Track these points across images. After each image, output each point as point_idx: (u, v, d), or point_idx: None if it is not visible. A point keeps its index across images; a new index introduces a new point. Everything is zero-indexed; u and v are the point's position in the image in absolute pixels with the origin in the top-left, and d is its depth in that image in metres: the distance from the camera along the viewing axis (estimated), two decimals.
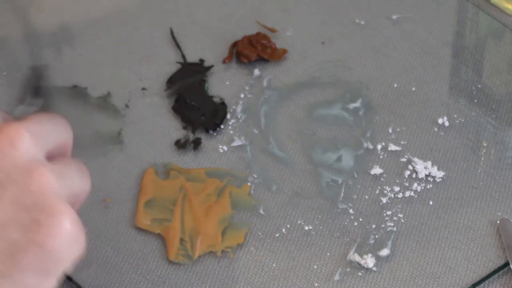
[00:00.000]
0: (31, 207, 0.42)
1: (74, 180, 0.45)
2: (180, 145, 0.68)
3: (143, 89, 0.71)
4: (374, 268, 0.61)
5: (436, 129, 0.68)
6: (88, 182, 0.47)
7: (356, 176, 0.66)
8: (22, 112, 0.62)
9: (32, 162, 0.43)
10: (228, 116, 0.69)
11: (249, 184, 0.65)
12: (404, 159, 0.66)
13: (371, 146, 0.67)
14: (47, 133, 0.45)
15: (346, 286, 0.60)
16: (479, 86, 0.70)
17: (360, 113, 0.69)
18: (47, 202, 0.42)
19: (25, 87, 0.63)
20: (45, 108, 0.62)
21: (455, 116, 0.69)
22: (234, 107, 0.70)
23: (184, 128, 0.69)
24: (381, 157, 0.67)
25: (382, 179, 0.65)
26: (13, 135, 0.43)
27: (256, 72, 0.72)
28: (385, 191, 0.65)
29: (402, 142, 0.67)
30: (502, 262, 0.61)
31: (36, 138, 0.44)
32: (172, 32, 0.75)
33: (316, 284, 0.60)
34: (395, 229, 0.63)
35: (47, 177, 0.42)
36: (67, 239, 0.42)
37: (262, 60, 0.72)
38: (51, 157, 0.45)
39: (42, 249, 0.41)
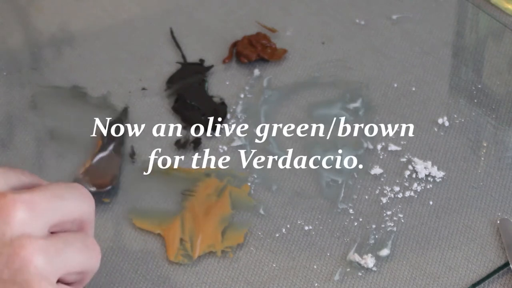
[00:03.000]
0: (9, 283, 0.41)
1: (74, 259, 0.44)
2: (180, 145, 0.68)
3: (143, 89, 0.71)
4: (374, 268, 0.61)
5: (436, 129, 0.68)
6: (96, 260, 0.46)
7: (356, 176, 0.66)
8: (101, 159, 0.63)
9: (21, 237, 0.42)
10: (228, 116, 0.69)
11: (249, 184, 0.65)
12: (404, 159, 0.66)
13: (371, 146, 0.67)
14: (54, 207, 0.44)
15: (346, 286, 0.60)
16: (479, 86, 0.70)
17: (360, 113, 0.69)
18: (26, 280, 0.41)
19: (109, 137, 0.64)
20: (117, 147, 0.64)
21: (455, 116, 0.69)
22: (234, 107, 0.70)
23: (184, 128, 0.69)
24: (381, 157, 0.67)
25: (382, 179, 0.65)
26: (7, 209, 0.42)
27: (256, 72, 0.72)
28: (385, 191, 0.65)
29: (402, 142, 0.67)
30: (502, 262, 0.61)
31: (37, 212, 0.43)
32: (172, 32, 0.75)
33: (316, 284, 0.60)
34: (395, 229, 0.63)
35: (32, 255, 0.41)
36: None
37: (262, 60, 0.72)
38: (62, 229, 0.44)
39: None
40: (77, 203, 0.46)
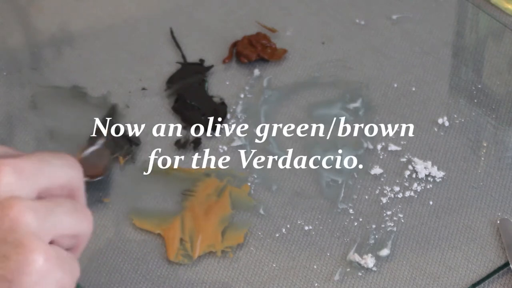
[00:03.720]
0: (1, 243, 0.41)
1: (64, 220, 0.44)
2: (180, 145, 0.68)
3: (143, 89, 0.71)
4: (374, 268, 0.61)
5: (436, 129, 0.68)
6: (88, 225, 0.46)
7: (356, 176, 0.66)
8: (92, 152, 0.64)
9: (9, 199, 0.42)
10: (228, 116, 0.69)
11: (249, 184, 0.65)
12: (404, 159, 0.66)
13: (371, 146, 0.67)
14: (42, 171, 0.44)
15: (346, 286, 0.60)
16: (479, 86, 0.70)
17: (360, 113, 0.69)
18: (17, 238, 0.41)
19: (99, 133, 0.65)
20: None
21: (455, 116, 0.69)
22: (234, 107, 0.70)
23: (184, 128, 0.69)
24: (381, 157, 0.67)
25: (382, 179, 0.65)
26: None
27: (256, 72, 0.72)
28: (385, 191, 0.65)
29: (402, 142, 0.67)
30: (502, 262, 0.61)
31: (24, 175, 0.43)
32: (172, 32, 0.75)
33: (316, 284, 0.60)
34: (395, 229, 0.63)
35: (22, 214, 0.42)
36: (38, 276, 0.41)
37: (262, 60, 0.72)
38: (50, 196, 0.44)
39: (10, 285, 0.41)
40: (65, 169, 0.46)
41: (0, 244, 0.41)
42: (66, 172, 0.46)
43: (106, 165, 0.65)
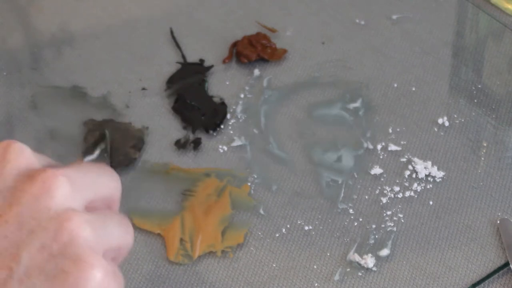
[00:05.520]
0: (59, 257, 0.40)
1: (114, 233, 0.44)
2: (180, 145, 0.68)
3: (143, 89, 0.71)
4: (374, 268, 0.61)
5: (436, 129, 0.68)
6: (131, 236, 0.46)
7: (356, 176, 0.66)
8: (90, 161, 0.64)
9: (66, 211, 0.41)
10: (228, 116, 0.69)
11: (249, 184, 0.65)
12: (404, 159, 0.66)
13: (371, 146, 0.67)
14: (89, 183, 0.44)
15: (346, 286, 0.60)
16: (479, 86, 0.70)
17: (360, 113, 0.69)
18: (77, 253, 0.40)
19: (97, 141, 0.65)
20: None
21: (455, 116, 0.69)
22: (234, 107, 0.70)
23: (184, 128, 0.69)
24: (381, 157, 0.67)
25: (382, 179, 0.65)
26: (50, 182, 0.41)
27: (256, 72, 0.72)
28: (385, 191, 0.65)
29: (402, 142, 0.67)
30: (502, 262, 0.61)
31: (76, 187, 0.42)
32: (172, 32, 0.75)
33: (316, 284, 0.60)
34: (395, 229, 0.63)
35: (80, 228, 0.41)
36: None
37: (262, 60, 0.72)
38: (93, 208, 0.44)
39: None
40: (108, 180, 0.45)
41: (59, 258, 0.40)
42: (109, 185, 0.45)
43: None
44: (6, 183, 0.41)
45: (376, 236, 0.62)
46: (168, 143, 0.68)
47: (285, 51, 0.73)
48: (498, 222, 0.63)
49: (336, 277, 0.60)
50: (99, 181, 0.45)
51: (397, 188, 0.65)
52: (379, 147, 0.67)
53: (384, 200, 0.64)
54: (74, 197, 0.42)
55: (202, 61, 0.73)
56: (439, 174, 0.65)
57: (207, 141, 0.68)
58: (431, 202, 0.64)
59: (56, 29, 0.75)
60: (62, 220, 0.41)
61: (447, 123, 0.68)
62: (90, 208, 0.43)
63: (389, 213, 0.63)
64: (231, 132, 0.68)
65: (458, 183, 0.65)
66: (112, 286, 0.41)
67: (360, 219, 0.63)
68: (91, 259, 0.40)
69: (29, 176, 0.41)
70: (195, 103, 0.70)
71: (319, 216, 0.64)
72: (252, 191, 0.65)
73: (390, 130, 0.68)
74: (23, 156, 0.42)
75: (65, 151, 0.67)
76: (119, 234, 0.44)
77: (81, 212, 0.42)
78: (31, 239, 0.40)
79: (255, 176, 0.66)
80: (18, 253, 0.40)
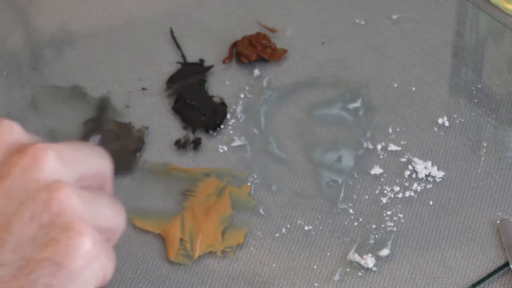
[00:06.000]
0: (49, 226, 0.41)
1: (104, 212, 0.44)
2: (180, 145, 0.68)
3: (143, 89, 0.71)
4: (374, 268, 0.61)
5: (436, 129, 0.68)
6: (123, 218, 0.46)
7: (356, 176, 0.66)
8: None
9: (55, 182, 0.42)
10: (228, 116, 0.69)
11: (249, 184, 0.65)
12: (404, 159, 0.66)
13: (371, 146, 0.67)
14: (79, 159, 0.44)
15: (346, 286, 0.60)
16: (479, 86, 0.70)
17: (360, 113, 0.69)
18: (66, 222, 0.41)
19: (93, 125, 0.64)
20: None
21: (455, 116, 0.69)
22: (234, 107, 0.70)
23: (184, 128, 0.69)
24: (381, 157, 0.67)
25: (382, 179, 0.65)
26: (39, 155, 0.42)
27: (256, 72, 0.72)
28: (385, 191, 0.65)
29: (402, 142, 0.67)
30: (502, 262, 0.61)
31: (65, 161, 0.43)
32: (172, 32, 0.75)
33: (316, 284, 0.60)
34: (395, 229, 0.63)
35: (69, 197, 0.41)
36: (87, 260, 0.41)
37: (262, 60, 0.72)
38: (85, 187, 0.44)
39: (59, 268, 0.40)
40: (98, 157, 0.46)
41: (48, 227, 0.41)
42: (99, 161, 0.46)
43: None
44: None
45: (376, 236, 0.62)
46: (168, 143, 0.68)
47: (285, 51, 0.73)
48: (498, 222, 0.63)
49: (336, 277, 0.60)
50: (89, 158, 0.45)
51: (397, 188, 0.65)
52: (379, 147, 0.67)
53: (384, 200, 0.64)
54: (64, 170, 0.43)
55: (202, 61, 0.73)
56: (439, 174, 0.65)
57: (207, 141, 0.68)
58: (431, 202, 0.64)
59: (56, 29, 0.75)
60: (51, 191, 0.41)
61: (447, 123, 0.68)
62: (82, 187, 0.44)
63: (389, 213, 0.63)
64: (231, 132, 0.68)
65: (458, 183, 0.65)
66: (102, 256, 0.42)
67: (360, 219, 0.63)
68: (80, 227, 0.41)
69: (19, 150, 0.42)
70: (195, 103, 0.70)
71: (319, 216, 0.64)
72: (252, 191, 0.65)
73: (390, 130, 0.68)
74: (12, 132, 0.44)
75: None
76: (110, 214, 0.45)
77: (70, 183, 0.42)
78: (21, 210, 0.41)
79: (255, 176, 0.66)
80: (10, 224, 0.41)
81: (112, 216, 0.45)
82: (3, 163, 0.42)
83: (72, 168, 0.43)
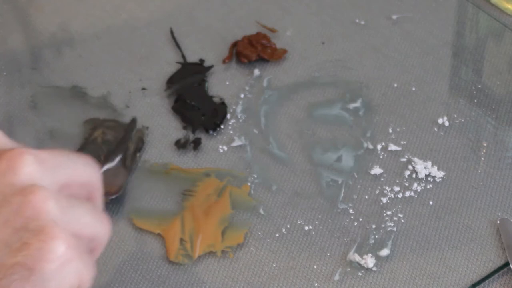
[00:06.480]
0: (23, 230, 0.40)
1: (84, 219, 0.44)
2: (180, 145, 0.68)
3: (143, 89, 0.71)
4: (374, 268, 0.61)
5: (436, 129, 0.68)
6: (106, 229, 0.45)
7: (356, 176, 0.66)
8: (107, 171, 0.63)
9: (31, 186, 0.41)
10: (228, 116, 0.69)
11: (249, 184, 0.65)
12: (404, 159, 0.66)
13: (371, 146, 0.67)
14: (61, 166, 0.44)
15: (346, 286, 0.60)
16: (479, 86, 0.70)
17: (360, 113, 0.69)
18: (39, 225, 0.41)
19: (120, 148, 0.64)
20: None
21: (455, 116, 0.69)
22: (234, 107, 0.70)
23: (184, 128, 0.69)
24: (381, 157, 0.67)
25: (382, 179, 0.65)
26: (16, 159, 0.42)
27: (256, 72, 0.72)
28: (385, 191, 0.65)
29: (402, 142, 0.67)
30: (502, 262, 0.61)
31: (46, 167, 0.43)
32: (172, 32, 0.75)
33: (316, 284, 0.60)
34: (395, 229, 0.63)
35: (43, 201, 0.41)
36: (60, 264, 0.40)
37: (262, 60, 0.72)
38: (72, 196, 0.44)
39: (31, 272, 0.40)
40: (83, 165, 0.46)
41: (21, 231, 0.40)
42: (86, 171, 0.46)
43: (122, 184, 0.64)
44: None
45: (376, 236, 0.62)
46: (168, 143, 0.68)
47: (285, 51, 0.73)
48: (498, 222, 0.62)
49: (336, 277, 0.60)
50: (73, 165, 0.45)
51: (397, 188, 0.65)
52: (379, 147, 0.67)
53: (384, 200, 0.64)
54: (43, 175, 0.42)
55: (202, 61, 0.73)
56: (439, 174, 0.65)
57: (207, 141, 0.68)
58: (431, 202, 0.64)
59: (56, 29, 0.75)
60: (25, 194, 0.41)
61: (447, 123, 0.68)
62: (69, 195, 0.43)
63: (389, 213, 0.63)
64: (231, 132, 0.68)
65: (458, 183, 0.65)
66: (76, 261, 0.41)
67: (360, 219, 0.63)
68: (54, 231, 0.41)
69: None
70: (195, 103, 0.70)
71: (319, 216, 0.64)
72: (252, 191, 0.65)
73: (390, 130, 0.68)
74: None
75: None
76: (90, 221, 0.44)
77: (47, 188, 0.42)
78: None
79: (255, 176, 0.66)
80: None
81: (93, 224, 0.44)
82: None
83: (53, 174, 0.43)
